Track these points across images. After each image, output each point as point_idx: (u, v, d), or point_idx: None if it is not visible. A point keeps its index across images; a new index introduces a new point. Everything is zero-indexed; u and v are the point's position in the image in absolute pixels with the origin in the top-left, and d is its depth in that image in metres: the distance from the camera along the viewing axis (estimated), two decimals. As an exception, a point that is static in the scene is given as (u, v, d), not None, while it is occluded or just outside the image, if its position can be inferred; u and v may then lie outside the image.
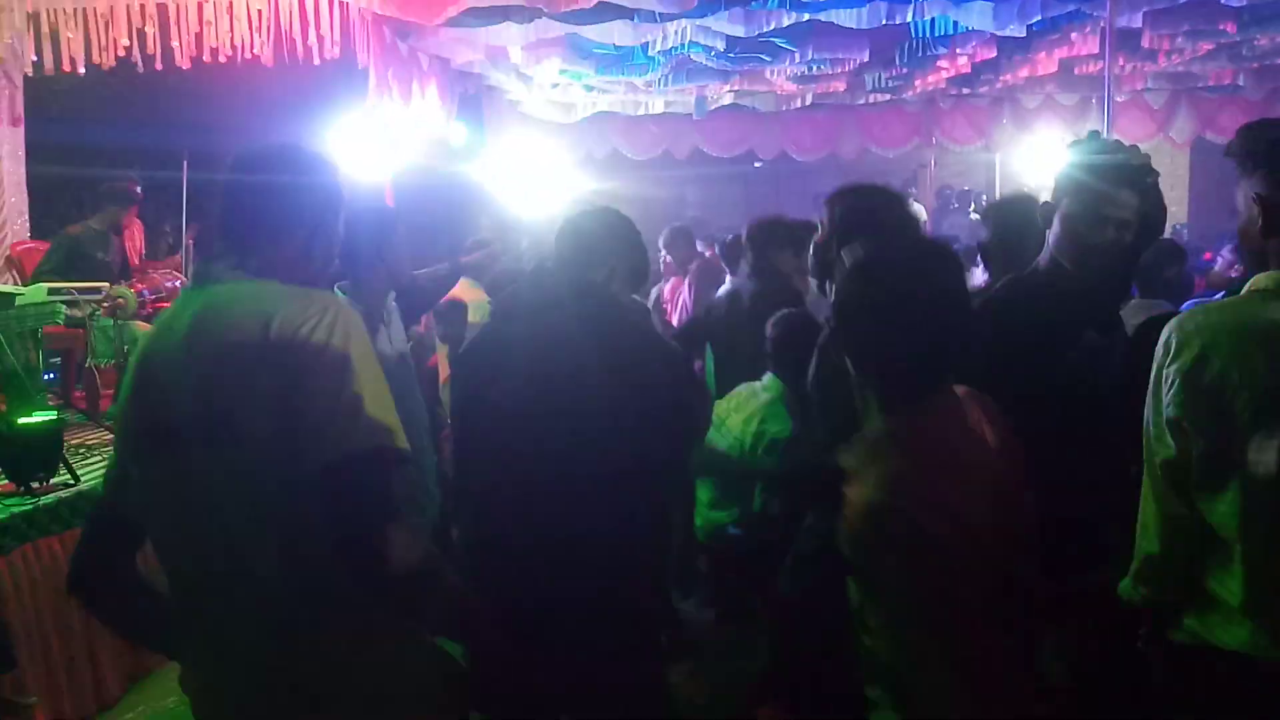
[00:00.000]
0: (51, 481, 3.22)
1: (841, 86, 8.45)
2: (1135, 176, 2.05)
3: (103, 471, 3.54)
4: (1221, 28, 6.63)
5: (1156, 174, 2.12)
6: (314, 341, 1.28)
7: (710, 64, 7.25)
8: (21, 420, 3.11)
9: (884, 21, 5.94)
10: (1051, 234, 2.10)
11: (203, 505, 1.32)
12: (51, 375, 4.92)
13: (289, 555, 1.28)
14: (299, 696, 1.30)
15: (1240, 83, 8.82)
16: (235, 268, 1.42)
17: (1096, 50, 6.99)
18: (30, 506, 3.06)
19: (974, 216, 11.75)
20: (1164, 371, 1.57)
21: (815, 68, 7.50)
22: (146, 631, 1.56)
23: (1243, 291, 1.59)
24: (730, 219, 12.96)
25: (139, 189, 5.62)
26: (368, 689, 1.32)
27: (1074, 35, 6.97)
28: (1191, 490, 1.56)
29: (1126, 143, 2.25)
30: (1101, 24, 6.29)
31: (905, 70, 7.68)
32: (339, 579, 1.25)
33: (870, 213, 2.16)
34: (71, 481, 3.30)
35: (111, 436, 4.01)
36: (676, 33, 6.21)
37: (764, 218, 4.00)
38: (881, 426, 1.48)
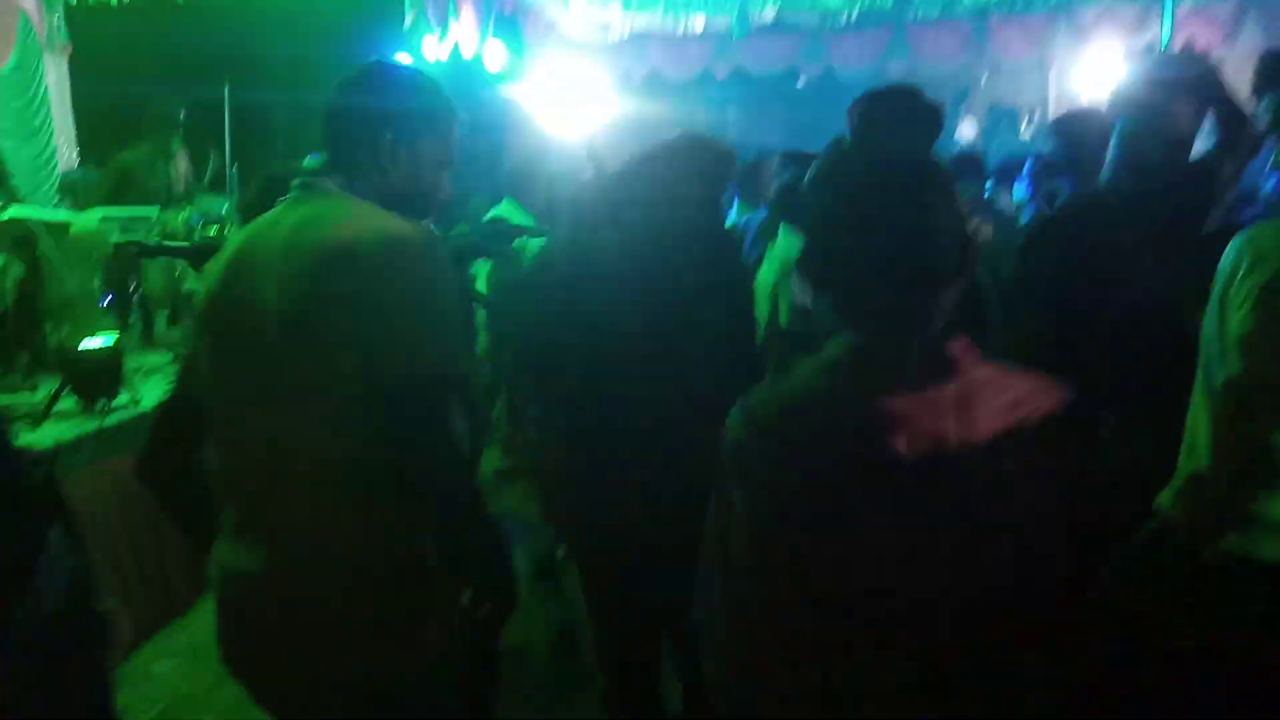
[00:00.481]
0: (114, 404, 3.33)
1: (888, 2, 8.16)
2: (1192, 90, 1.97)
3: (162, 393, 3.67)
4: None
5: (1220, 86, 2.04)
6: (401, 263, 1.35)
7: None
8: (84, 344, 3.21)
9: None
10: (1111, 153, 2.05)
11: (270, 396, 1.41)
12: (109, 299, 5.05)
13: (345, 452, 1.37)
14: (332, 585, 1.38)
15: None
16: (342, 187, 1.48)
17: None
18: (95, 426, 3.18)
19: (1025, 135, 11.37)
20: (1234, 287, 1.53)
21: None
22: (203, 524, 1.62)
23: None
24: (772, 141, 12.69)
25: (182, 114, 5.64)
26: (398, 583, 1.40)
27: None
28: (1257, 410, 1.53)
29: (1192, 55, 2.17)
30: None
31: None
32: (385, 481, 1.34)
33: (887, 116, 2.10)
34: (133, 403, 3.41)
35: (170, 359, 4.14)
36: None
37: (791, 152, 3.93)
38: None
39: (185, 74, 5.85)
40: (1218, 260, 1.59)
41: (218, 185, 6.01)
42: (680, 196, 2.16)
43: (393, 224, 1.40)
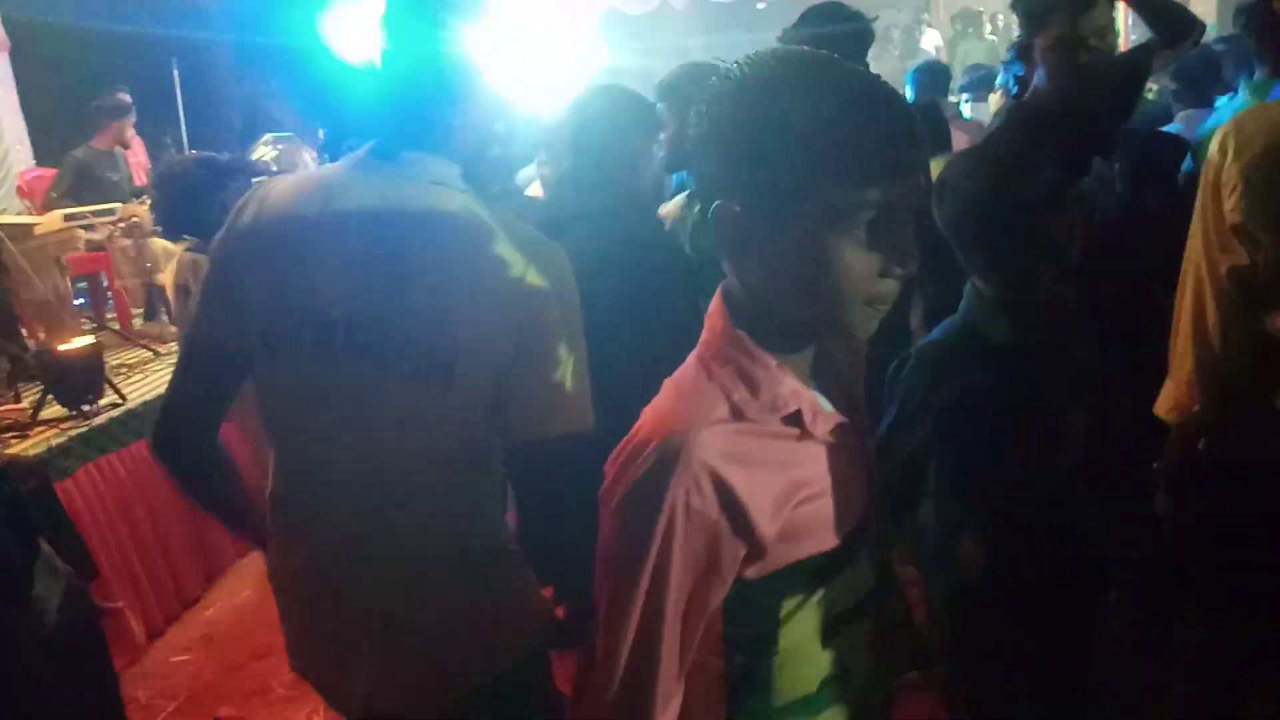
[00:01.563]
0: (100, 403, 3.32)
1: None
2: None
3: (147, 388, 3.65)
4: None
5: None
6: (536, 291, 1.15)
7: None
8: (63, 347, 3.18)
9: None
10: (1036, 68, 2.06)
11: (338, 405, 1.21)
12: (82, 300, 4.99)
13: (419, 469, 1.21)
14: (398, 583, 1.24)
15: None
16: (445, 174, 1.20)
17: None
18: (85, 428, 3.17)
19: (990, 38, 11.20)
20: (1223, 175, 1.50)
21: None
22: (221, 503, 1.46)
23: None
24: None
25: (130, 100, 5.50)
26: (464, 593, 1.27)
27: None
28: (1260, 295, 1.49)
29: None
30: None
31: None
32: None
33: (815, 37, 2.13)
34: (119, 401, 3.40)
35: (150, 353, 4.10)
36: None
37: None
38: None
39: (131, 57, 5.70)
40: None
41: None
42: (600, 161, 2.02)
43: (511, 232, 1.18)
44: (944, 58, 10.61)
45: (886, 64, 10.46)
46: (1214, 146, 1.52)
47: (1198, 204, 1.57)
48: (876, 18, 2.47)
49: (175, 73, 5.67)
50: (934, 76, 5.25)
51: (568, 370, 1.18)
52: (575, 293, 1.21)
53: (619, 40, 10.82)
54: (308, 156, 6.06)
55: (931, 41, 11.31)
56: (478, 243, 1.17)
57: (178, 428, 1.39)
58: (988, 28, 11.36)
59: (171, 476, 1.42)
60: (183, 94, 5.71)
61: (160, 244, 4.63)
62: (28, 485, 2.37)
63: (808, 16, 2.34)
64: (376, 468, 1.20)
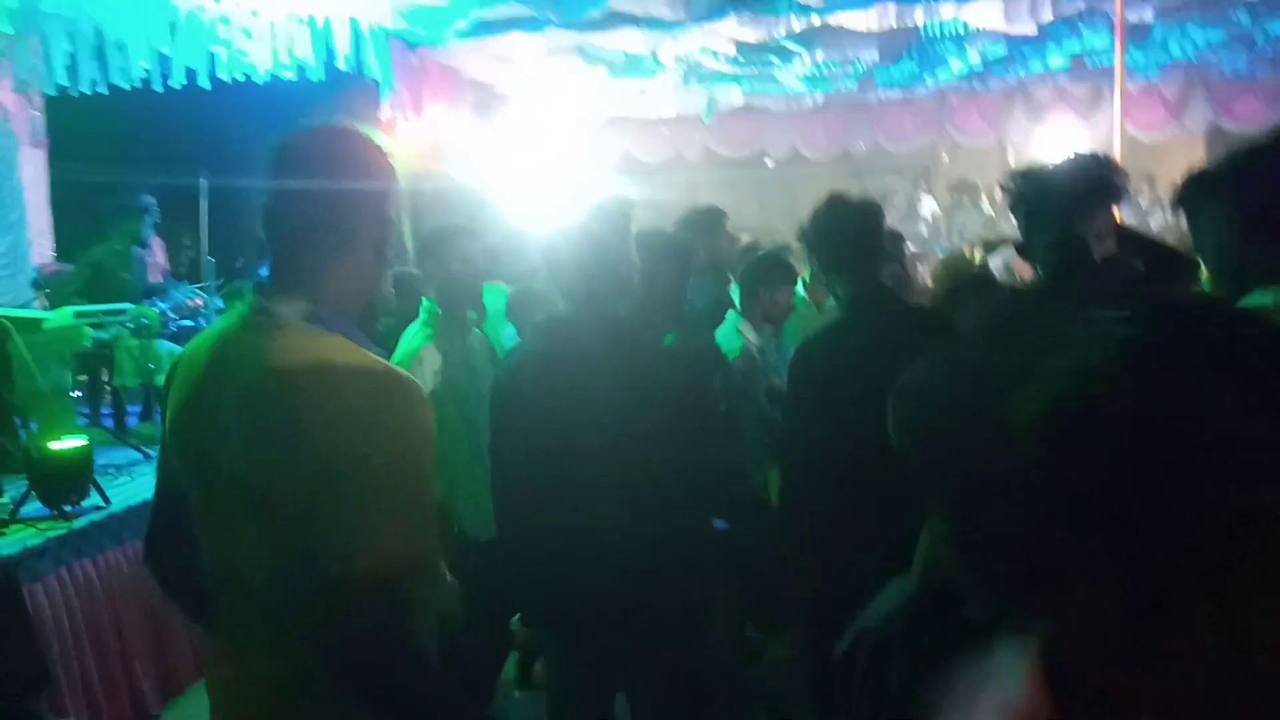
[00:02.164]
0: (83, 505, 3.29)
1: (852, 85, 8.46)
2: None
3: (133, 491, 3.62)
4: (1233, 17, 6.60)
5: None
6: (362, 438, 1.20)
7: (720, 67, 7.27)
8: (54, 445, 3.18)
9: (893, 24, 5.95)
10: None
11: (228, 529, 1.32)
12: (78, 394, 5.01)
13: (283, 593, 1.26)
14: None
15: (1255, 71, 8.76)
16: (303, 315, 1.29)
17: (1108, 45, 6.97)
18: (64, 529, 3.13)
19: (988, 210, 11.68)
20: None
21: (825, 68, 7.51)
22: (207, 612, 1.48)
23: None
24: (744, 219, 12.94)
25: (154, 201, 5.68)
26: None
27: (1084, 30, 6.95)
28: None
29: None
30: (1113, 19, 6.26)
31: (916, 68, 7.67)
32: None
33: None
34: (102, 504, 3.37)
35: (140, 455, 4.08)
36: (686, 38, 6.24)
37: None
38: None
39: (163, 164, 5.92)
40: None
41: (193, 275, 6.04)
42: (610, 320, 2.11)
43: (376, 367, 1.26)
44: (941, 226, 11.06)
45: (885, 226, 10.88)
46: None
47: None
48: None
49: (202, 182, 5.88)
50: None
51: (383, 492, 1.21)
52: (409, 425, 1.25)
53: (636, 179, 11.29)
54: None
55: (929, 208, 11.79)
56: (295, 380, 1.25)
57: (159, 540, 1.45)
58: (984, 199, 11.86)
59: (160, 586, 1.48)
60: (209, 202, 5.90)
61: (166, 347, 4.69)
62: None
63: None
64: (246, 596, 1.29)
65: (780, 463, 2.74)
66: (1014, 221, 2.53)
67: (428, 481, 1.30)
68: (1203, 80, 9.41)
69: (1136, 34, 6.91)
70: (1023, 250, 2.14)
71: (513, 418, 2.10)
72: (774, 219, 13.20)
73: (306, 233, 1.31)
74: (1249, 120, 9.70)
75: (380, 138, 1.41)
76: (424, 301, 2.86)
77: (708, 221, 3.95)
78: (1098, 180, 2.05)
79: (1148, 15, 6.42)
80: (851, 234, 2.46)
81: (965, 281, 3.01)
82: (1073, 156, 2.15)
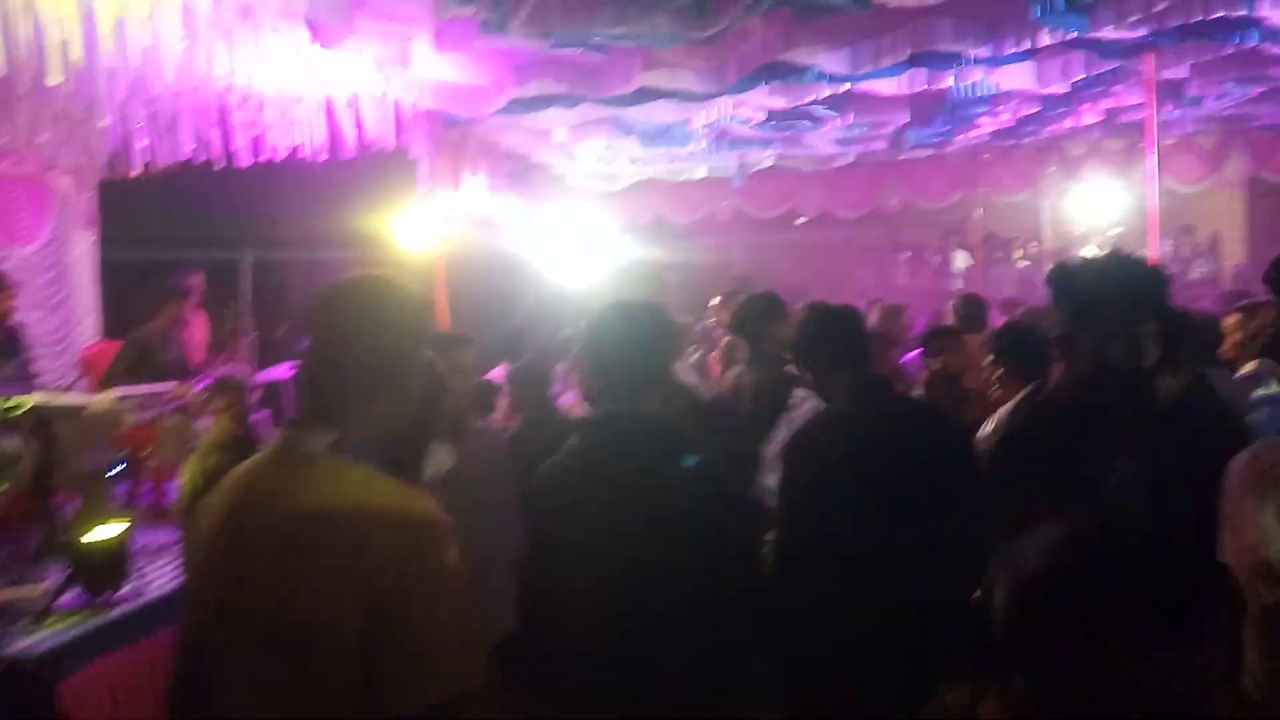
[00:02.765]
0: (119, 593, 3.28)
1: (882, 145, 8.48)
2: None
3: (168, 577, 3.62)
4: (1269, 73, 6.53)
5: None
6: (405, 576, 1.22)
7: (752, 132, 7.33)
8: (89, 538, 3.19)
9: (923, 88, 5.96)
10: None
11: (260, 674, 1.30)
12: (117, 470, 5.06)
13: None
14: None
15: (1294, 122, 8.65)
16: (330, 446, 1.33)
17: (1141, 100, 6.92)
18: (100, 620, 3.12)
19: (1021, 263, 11.56)
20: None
21: (855, 131, 7.54)
22: None
23: None
24: (776, 278, 12.95)
25: (195, 281, 5.79)
26: None
27: (1117, 87, 6.91)
28: None
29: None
30: (1145, 78, 6.23)
31: (946, 128, 7.67)
32: None
33: None
34: (140, 591, 3.36)
35: (178, 540, 4.10)
36: (718, 108, 6.30)
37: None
38: None
39: (210, 243, 6.07)
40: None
41: (232, 342, 6.14)
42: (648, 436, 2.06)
43: (413, 504, 1.28)
44: (978, 278, 10.96)
45: (919, 283, 10.83)
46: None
47: None
48: None
49: (248, 257, 6.03)
50: (971, 308, 5.37)
51: (435, 630, 1.23)
52: (437, 552, 1.27)
53: (668, 239, 11.37)
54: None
55: (962, 262, 11.71)
56: (329, 516, 1.27)
57: (180, 683, 1.42)
58: (1018, 253, 11.76)
59: None
60: (254, 276, 6.04)
61: (203, 425, 4.73)
62: (25, 691, 2.31)
63: None
64: None
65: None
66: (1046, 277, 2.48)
67: (468, 609, 1.30)
68: (1241, 131, 9.31)
69: (1171, 90, 6.86)
70: (1063, 342, 2.06)
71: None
72: (805, 278, 13.22)
73: (336, 378, 1.37)
74: (1289, 170, 9.57)
75: (420, 290, 1.49)
76: None
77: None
78: (1157, 287, 2.01)
79: (1182, 71, 6.37)
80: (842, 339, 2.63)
81: None
82: (1128, 258, 2.11)
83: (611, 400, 2.08)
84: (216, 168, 5.46)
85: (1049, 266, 2.99)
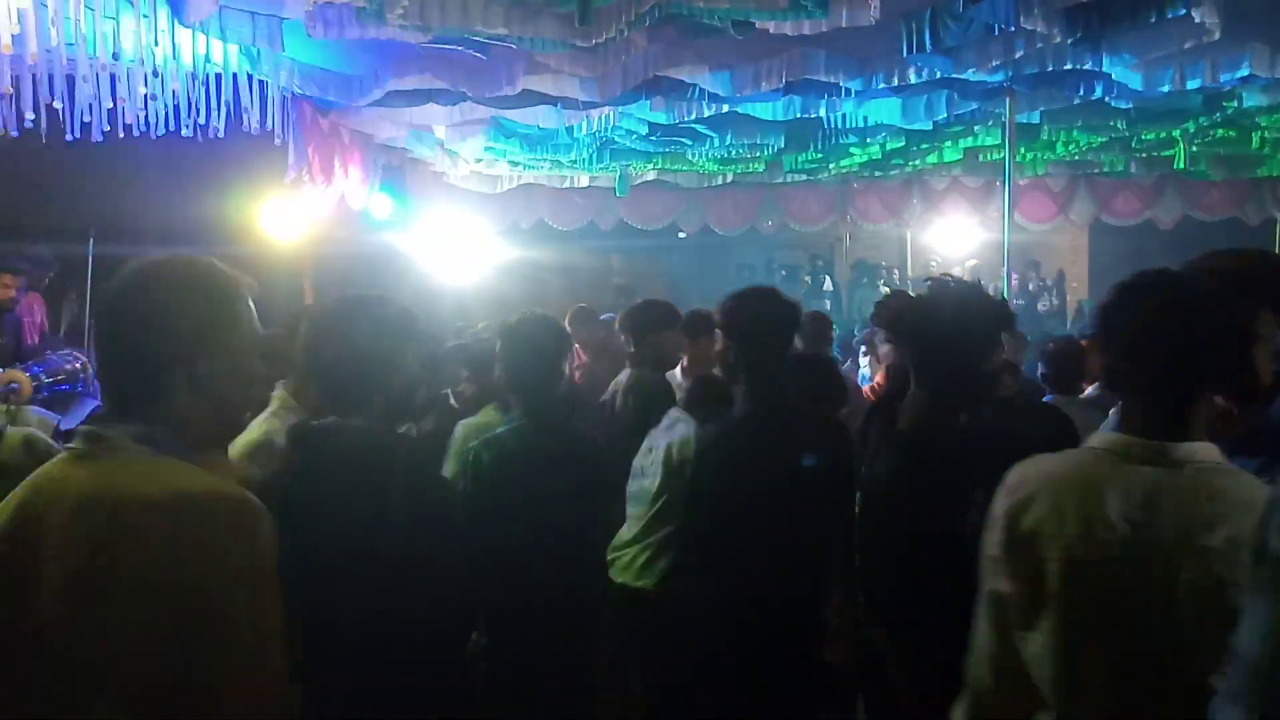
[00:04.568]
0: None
1: (760, 167, 8.73)
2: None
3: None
4: (1112, 124, 7.09)
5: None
6: (195, 561, 1.18)
7: (633, 145, 7.40)
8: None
9: (798, 115, 6.17)
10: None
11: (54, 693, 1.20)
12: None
13: None
14: None
15: (1132, 170, 9.41)
16: (133, 438, 1.26)
17: (999, 141, 7.39)
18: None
19: (884, 290, 12.14)
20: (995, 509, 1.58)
21: (734, 151, 7.73)
22: None
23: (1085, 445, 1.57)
24: (656, 288, 13.11)
25: (48, 255, 5.38)
26: None
27: (977, 128, 7.35)
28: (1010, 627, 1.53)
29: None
30: (1003, 120, 6.65)
31: (820, 155, 7.97)
32: None
33: None
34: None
35: None
36: (600, 118, 6.34)
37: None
38: None
39: (48, 219, 5.65)
40: None
41: (73, 337, 5.73)
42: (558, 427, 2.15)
43: (205, 490, 1.22)
44: (842, 301, 11.44)
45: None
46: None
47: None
48: None
49: (90, 243, 5.64)
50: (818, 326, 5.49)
51: (247, 628, 1.20)
52: (252, 546, 1.22)
53: (551, 244, 11.34)
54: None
55: (829, 286, 12.19)
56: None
57: None
58: (882, 278, 12.33)
59: None
60: (96, 265, 5.65)
61: (36, 416, 4.39)
62: None
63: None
64: None
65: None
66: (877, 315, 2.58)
67: (271, 599, 1.24)
68: (1086, 176, 10.06)
69: (1026, 133, 7.35)
70: (919, 377, 2.14)
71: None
72: (686, 289, 13.45)
73: (122, 369, 1.30)
74: (1127, 215, 10.40)
75: (225, 271, 1.37)
76: (277, 389, 2.65)
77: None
78: (998, 320, 2.12)
79: (1035, 117, 6.83)
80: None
81: None
82: (966, 292, 2.19)
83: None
84: (59, 143, 5.08)
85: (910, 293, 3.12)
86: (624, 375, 4.09)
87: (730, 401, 2.71)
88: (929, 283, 2.20)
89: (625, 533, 3.04)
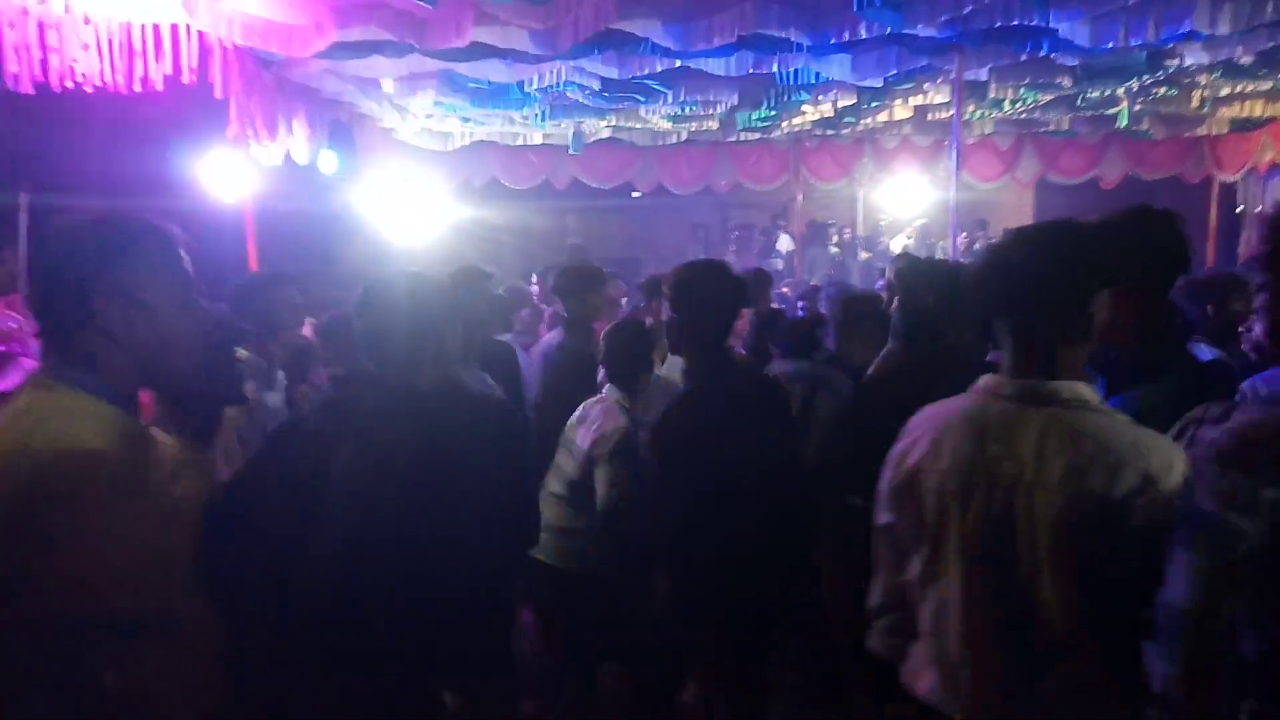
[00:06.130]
0: None
1: (714, 124, 8.70)
2: None
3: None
4: (1058, 81, 7.19)
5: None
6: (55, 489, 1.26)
7: (586, 101, 7.32)
8: None
9: (750, 70, 6.15)
10: None
11: None
12: None
13: None
14: None
15: (1077, 128, 9.56)
16: (61, 378, 1.37)
17: (948, 99, 7.45)
18: None
19: (834, 250, 12.23)
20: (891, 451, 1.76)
21: (688, 108, 7.69)
22: None
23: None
24: (611, 248, 13.06)
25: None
26: None
27: (927, 85, 7.40)
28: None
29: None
30: (952, 76, 6.71)
31: (773, 112, 7.97)
32: None
33: None
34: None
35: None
36: (552, 72, 6.26)
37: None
38: None
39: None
40: None
41: (7, 290, 5.56)
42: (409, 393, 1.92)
43: (59, 435, 1.29)
44: (795, 261, 11.51)
45: (746, 261, 11.23)
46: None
47: None
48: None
49: (23, 197, 5.47)
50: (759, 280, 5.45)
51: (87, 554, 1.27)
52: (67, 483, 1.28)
53: (504, 203, 11.21)
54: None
55: (785, 245, 12.24)
56: None
57: None
58: (834, 239, 12.42)
59: None
60: (32, 218, 5.48)
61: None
62: None
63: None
64: None
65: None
66: (859, 260, 2.74)
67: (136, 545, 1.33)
68: (1033, 135, 10.20)
69: (975, 91, 7.42)
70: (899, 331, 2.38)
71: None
72: (640, 249, 13.42)
73: (48, 307, 1.41)
74: (1072, 173, 10.59)
75: (138, 222, 1.47)
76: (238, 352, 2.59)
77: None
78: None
79: (983, 74, 6.90)
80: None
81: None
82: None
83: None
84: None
85: (859, 252, 3.23)
86: (554, 335, 4.04)
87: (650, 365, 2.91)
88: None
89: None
